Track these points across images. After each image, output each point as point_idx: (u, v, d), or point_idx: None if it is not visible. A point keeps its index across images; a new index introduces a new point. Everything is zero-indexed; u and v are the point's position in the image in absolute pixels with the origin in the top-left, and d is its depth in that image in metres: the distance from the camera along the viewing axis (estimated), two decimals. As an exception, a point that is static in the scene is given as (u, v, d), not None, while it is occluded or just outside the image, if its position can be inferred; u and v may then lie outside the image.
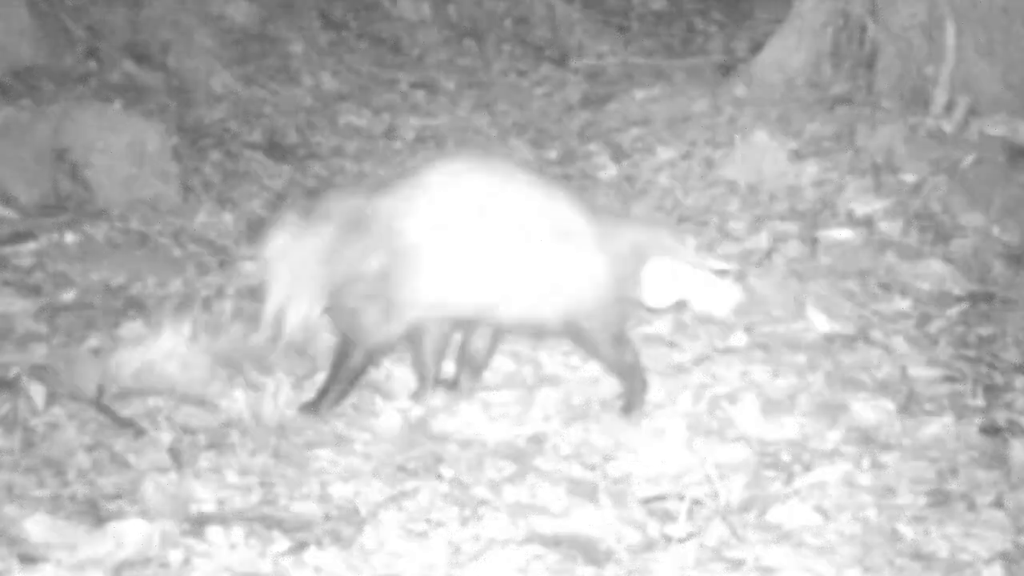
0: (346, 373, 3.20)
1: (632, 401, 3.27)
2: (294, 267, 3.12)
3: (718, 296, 3.37)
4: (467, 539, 2.72)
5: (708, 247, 4.29)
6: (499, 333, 3.34)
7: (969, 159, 4.68)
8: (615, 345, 3.25)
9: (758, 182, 4.78)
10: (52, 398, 3.16)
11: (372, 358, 3.24)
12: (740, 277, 3.81)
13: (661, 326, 3.76)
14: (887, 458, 3.09)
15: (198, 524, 2.71)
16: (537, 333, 3.35)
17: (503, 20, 7.26)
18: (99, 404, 3.16)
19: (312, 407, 3.21)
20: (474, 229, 3.10)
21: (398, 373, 3.44)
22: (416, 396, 3.32)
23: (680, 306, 3.47)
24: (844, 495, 2.94)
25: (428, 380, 3.33)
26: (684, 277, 3.29)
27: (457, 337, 3.37)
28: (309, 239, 3.12)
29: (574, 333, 3.25)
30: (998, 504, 2.89)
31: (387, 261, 3.09)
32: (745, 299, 3.90)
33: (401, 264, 3.09)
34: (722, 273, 3.36)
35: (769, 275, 4.06)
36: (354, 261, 3.10)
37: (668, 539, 2.73)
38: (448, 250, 3.10)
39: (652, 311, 3.56)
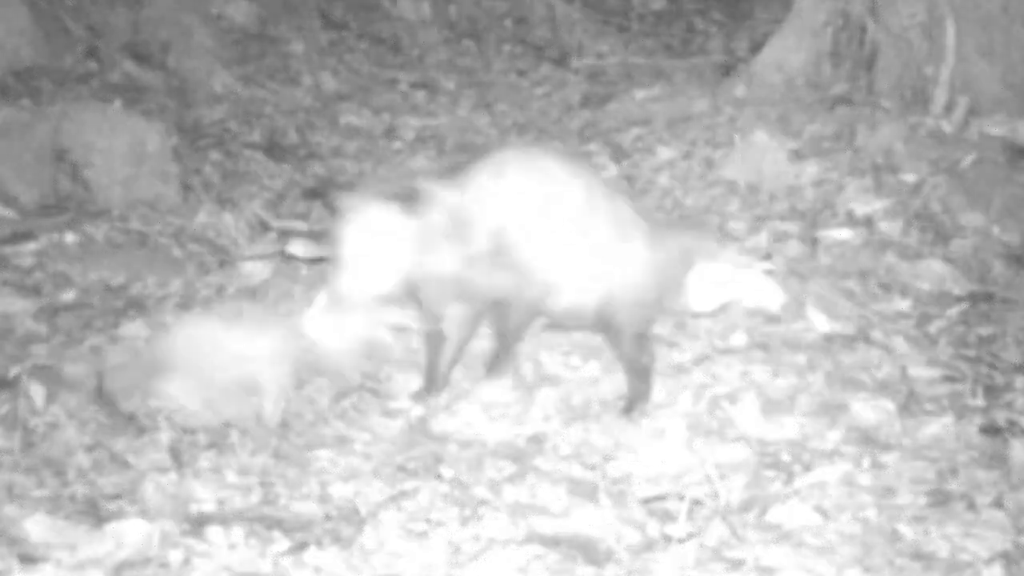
0: (511, 336, 3.34)
1: (635, 402, 3.28)
2: (377, 245, 3.15)
3: (767, 293, 3.43)
4: (467, 539, 2.72)
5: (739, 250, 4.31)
6: (530, 322, 3.43)
7: (969, 159, 4.68)
8: (638, 343, 3.30)
9: (758, 182, 4.78)
10: (52, 398, 3.16)
11: (526, 317, 3.35)
12: (783, 276, 3.88)
13: (661, 326, 3.76)
14: (887, 458, 3.09)
15: (198, 524, 2.71)
16: (572, 321, 3.39)
17: (503, 20, 7.25)
18: (99, 400, 3.17)
19: (497, 372, 3.36)
20: (555, 216, 3.20)
21: (398, 374, 3.44)
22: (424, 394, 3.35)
23: (725, 307, 3.52)
24: (844, 495, 2.94)
25: (440, 378, 3.36)
26: (731, 280, 3.39)
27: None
28: (397, 223, 3.14)
29: (604, 324, 3.30)
30: (998, 504, 2.89)
31: (493, 241, 3.18)
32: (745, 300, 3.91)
33: (509, 244, 3.19)
34: (769, 273, 3.44)
35: (769, 275, 4.06)
36: (466, 246, 3.17)
37: (668, 539, 2.73)
38: (533, 235, 3.21)
39: (698, 314, 3.63)
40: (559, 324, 3.47)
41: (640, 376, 3.31)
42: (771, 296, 3.56)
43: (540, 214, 3.19)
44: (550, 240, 3.20)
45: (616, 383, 3.39)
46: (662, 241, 3.31)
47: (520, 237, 3.19)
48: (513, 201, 3.19)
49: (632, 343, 3.30)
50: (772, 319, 3.79)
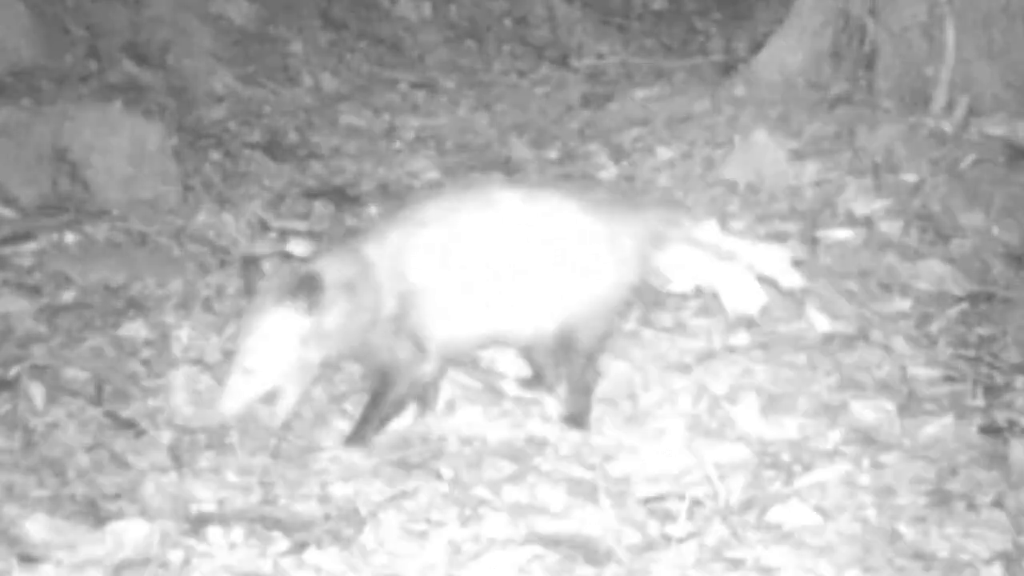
0: (387, 407, 3.13)
1: (578, 418, 3.22)
2: (276, 347, 2.97)
3: (746, 293, 3.32)
4: (467, 539, 2.72)
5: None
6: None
7: (969, 159, 4.68)
8: (588, 362, 3.24)
9: (758, 182, 4.78)
10: (52, 398, 3.16)
11: (411, 392, 3.16)
12: (800, 262, 3.74)
13: (664, 321, 3.76)
14: (887, 458, 3.09)
15: (198, 524, 2.71)
16: (538, 345, 3.30)
17: (503, 20, 7.25)
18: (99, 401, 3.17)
19: (357, 440, 3.12)
20: (480, 260, 3.08)
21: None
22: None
23: (705, 291, 3.42)
24: (844, 495, 2.94)
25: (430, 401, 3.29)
26: (704, 265, 3.26)
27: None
28: (298, 319, 2.96)
29: (563, 342, 3.21)
30: (998, 504, 2.89)
31: (401, 303, 3.05)
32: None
33: (415, 305, 3.06)
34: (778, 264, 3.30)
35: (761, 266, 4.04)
36: (369, 309, 3.03)
37: (668, 539, 2.73)
38: (457, 286, 3.08)
39: (674, 295, 3.52)
40: (523, 349, 3.37)
41: (583, 393, 3.24)
42: (750, 297, 3.40)
43: (461, 263, 3.07)
44: (481, 284, 3.08)
45: (614, 383, 3.39)
46: (621, 236, 3.17)
47: (436, 282, 3.06)
48: (424, 245, 3.06)
49: (583, 361, 3.22)
50: (773, 319, 3.80)
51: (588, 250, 3.15)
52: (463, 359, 3.37)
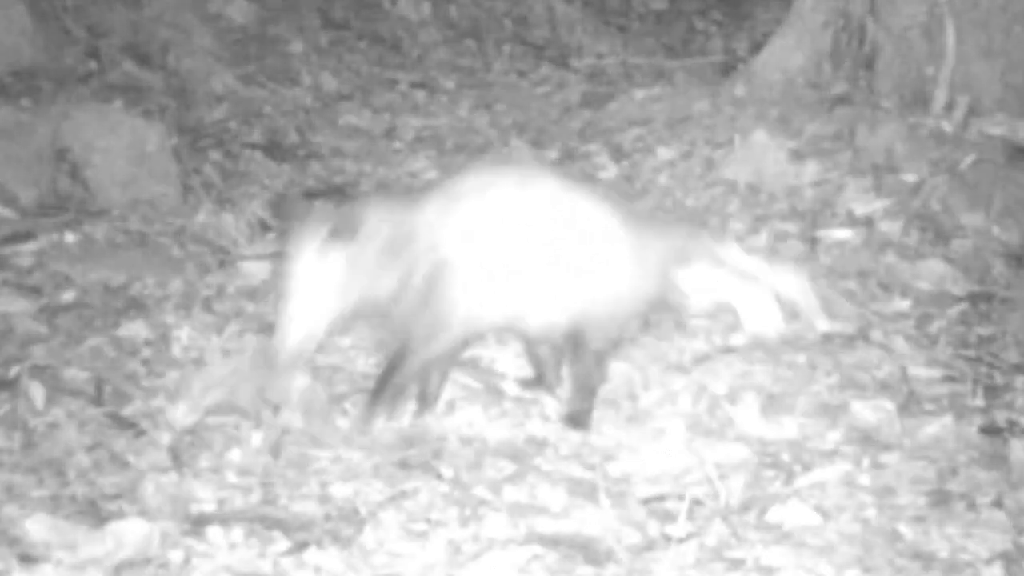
0: (400, 379, 3.13)
1: (577, 418, 3.23)
2: (318, 283, 2.99)
3: (766, 316, 3.32)
4: (467, 539, 2.72)
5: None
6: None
7: (969, 159, 4.68)
8: (597, 362, 3.24)
9: (758, 182, 4.78)
10: (52, 398, 3.16)
11: (427, 368, 3.16)
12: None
13: (664, 322, 3.76)
14: (887, 458, 3.09)
15: (198, 524, 2.72)
16: (545, 339, 3.30)
17: (503, 20, 7.25)
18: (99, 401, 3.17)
19: (367, 419, 3.13)
20: (510, 241, 3.09)
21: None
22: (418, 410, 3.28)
23: (724, 310, 3.41)
24: (844, 495, 2.94)
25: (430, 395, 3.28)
26: (726, 285, 3.27)
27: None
28: (338, 255, 2.98)
29: (572, 339, 3.21)
30: (998, 504, 2.89)
31: (432, 274, 3.05)
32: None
33: (445, 278, 3.06)
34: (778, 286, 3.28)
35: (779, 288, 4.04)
36: (401, 274, 3.03)
37: (668, 539, 2.73)
38: (486, 264, 3.08)
39: (695, 313, 3.54)
40: (531, 342, 3.36)
41: (586, 395, 3.24)
42: (770, 318, 3.39)
43: (492, 241, 3.07)
44: (505, 260, 3.09)
45: (614, 383, 3.39)
46: (647, 248, 3.19)
47: (467, 258, 3.06)
48: (462, 220, 3.06)
49: (591, 361, 3.22)
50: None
51: (612, 251, 3.16)
52: (477, 340, 3.36)
